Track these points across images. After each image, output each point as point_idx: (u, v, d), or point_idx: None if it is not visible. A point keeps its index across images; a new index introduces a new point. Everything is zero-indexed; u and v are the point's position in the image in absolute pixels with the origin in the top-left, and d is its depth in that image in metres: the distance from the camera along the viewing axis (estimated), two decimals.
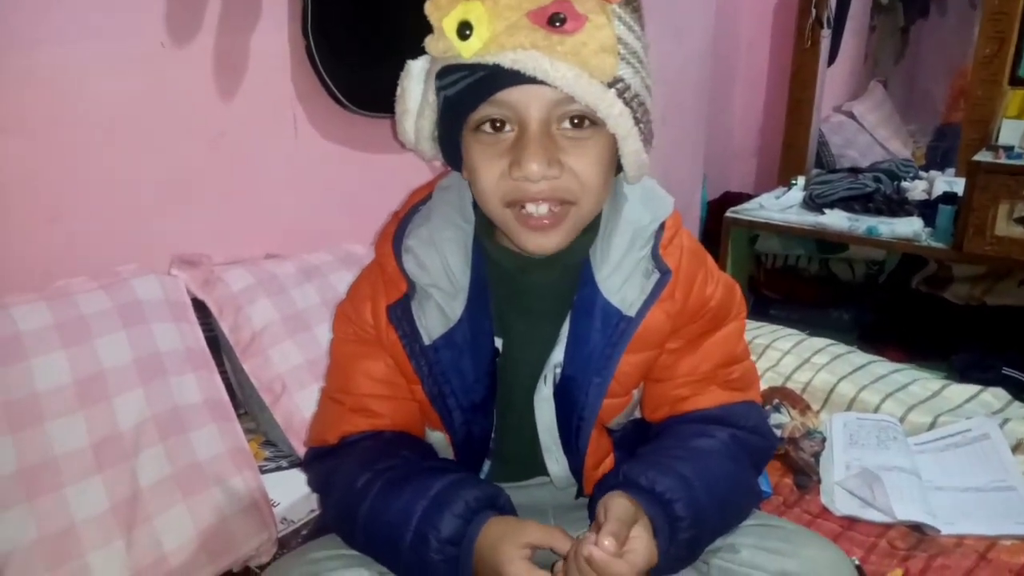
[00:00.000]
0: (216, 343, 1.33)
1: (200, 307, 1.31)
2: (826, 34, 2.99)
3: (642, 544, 0.72)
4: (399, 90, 0.81)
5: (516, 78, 0.69)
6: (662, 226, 0.85)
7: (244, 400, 1.39)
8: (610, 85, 0.70)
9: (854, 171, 2.90)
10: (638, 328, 0.83)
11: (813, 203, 2.69)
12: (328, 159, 1.58)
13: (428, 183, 0.93)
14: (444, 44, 0.71)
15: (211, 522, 1.08)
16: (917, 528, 1.18)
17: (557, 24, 0.67)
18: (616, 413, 0.91)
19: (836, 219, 2.58)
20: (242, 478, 1.14)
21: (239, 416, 1.24)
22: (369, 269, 0.92)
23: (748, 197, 2.96)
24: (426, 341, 0.83)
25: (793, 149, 3.12)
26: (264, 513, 1.13)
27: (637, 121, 0.74)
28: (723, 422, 0.88)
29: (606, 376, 0.84)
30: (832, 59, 3.18)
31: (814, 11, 2.91)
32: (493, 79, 0.70)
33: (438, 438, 0.93)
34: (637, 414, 0.98)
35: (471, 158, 0.76)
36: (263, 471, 1.23)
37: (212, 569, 1.06)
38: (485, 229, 0.86)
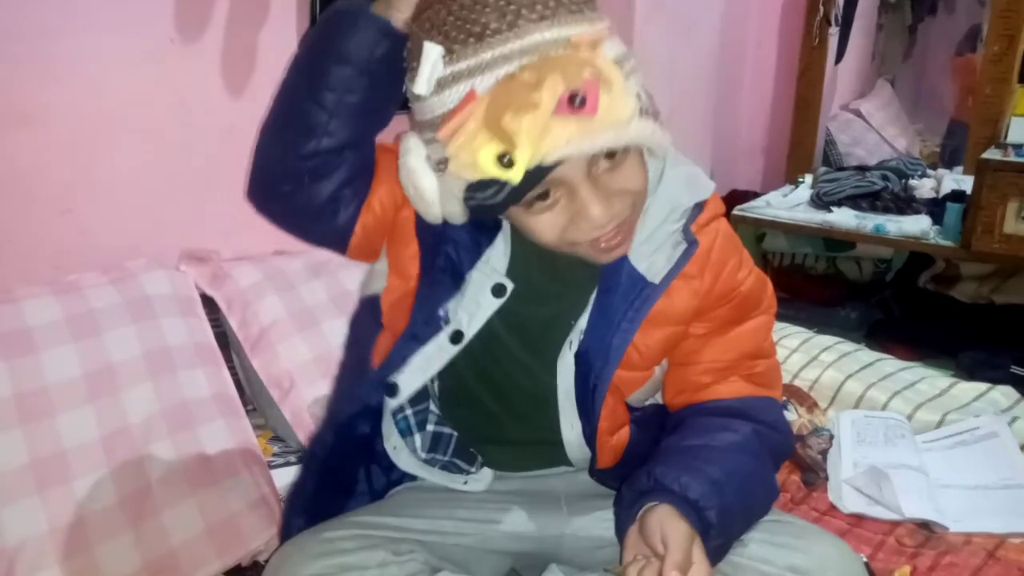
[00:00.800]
0: (224, 339, 1.34)
1: (208, 303, 1.31)
2: (834, 32, 2.99)
3: (704, 570, 0.72)
4: (406, 181, 0.77)
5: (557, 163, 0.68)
6: (701, 207, 0.86)
7: (252, 396, 1.40)
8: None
9: (862, 169, 2.90)
10: (660, 296, 0.84)
11: (820, 201, 2.68)
12: None
13: None
14: (478, 172, 0.68)
15: (220, 516, 1.08)
16: (925, 526, 1.17)
17: (580, 105, 0.66)
18: (636, 387, 0.92)
19: (844, 217, 2.57)
20: (250, 473, 1.14)
21: (247, 412, 1.25)
22: None
23: (755, 195, 2.95)
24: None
25: (800, 147, 3.12)
26: (273, 508, 1.13)
27: (656, 120, 0.74)
28: (744, 416, 0.88)
29: (625, 340, 0.84)
30: (839, 57, 3.17)
31: (822, 9, 2.90)
32: (536, 175, 0.68)
33: (383, 273, 0.90)
34: (659, 399, 0.98)
35: (524, 223, 0.76)
36: (271, 466, 1.23)
37: (220, 563, 1.06)
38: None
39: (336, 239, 0.86)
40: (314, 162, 0.80)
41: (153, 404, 1.11)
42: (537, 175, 0.68)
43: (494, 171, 0.67)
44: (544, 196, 0.73)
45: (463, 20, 0.67)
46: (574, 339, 0.87)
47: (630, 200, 0.76)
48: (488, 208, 0.72)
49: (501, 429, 0.95)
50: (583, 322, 0.86)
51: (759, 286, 0.92)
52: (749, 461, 0.83)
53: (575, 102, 0.65)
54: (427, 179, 0.75)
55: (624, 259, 0.83)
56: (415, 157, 0.75)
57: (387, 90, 0.79)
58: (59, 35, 1.16)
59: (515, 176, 0.67)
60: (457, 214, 0.76)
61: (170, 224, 1.36)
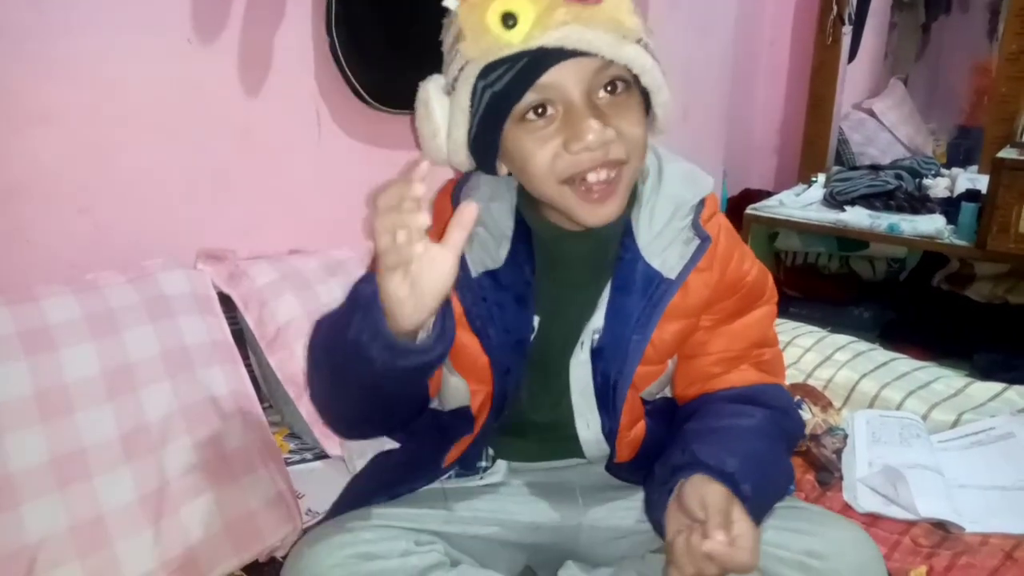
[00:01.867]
0: (241, 337, 1.35)
1: (225, 301, 1.32)
2: (847, 31, 2.98)
3: (747, 525, 0.73)
4: (421, 112, 0.83)
5: (558, 56, 0.73)
6: (702, 202, 0.90)
7: (269, 393, 1.40)
8: (638, 42, 0.76)
9: (875, 168, 2.89)
10: (677, 291, 0.86)
11: (834, 200, 2.68)
12: (351, 156, 1.59)
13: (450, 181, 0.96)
14: (487, 41, 0.74)
15: (237, 513, 1.09)
16: (941, 526, 1.17)
17: None
18: (651, 381, 0.94)
19: (857, 216, 2.57)
20: (268, 470, 1.15)
21: (264, 409, 1.26)
22: None
23: (768, 194, 2.95)
24: (473, 273, 0.87)
25: (814, 146, 3.11)
26: (290, 505, 1.14)
27: (663, 72, 0.78)
28: (756, 402, 0.90)
29: (645, 335, 0.87)
30: (852, 56, 3.16)
31: (836, 7, 2.90)
32: (538, 62, 0.73)
33: (457, 386, 0.94)
34: (668, 392, 1.00)
35: (520, 146, 0.79)
36: (288, 463, 1.24)
37: (238, 560, 1.07)
38: (526, 201, 0.88)
39: (420, 416, 0.95)
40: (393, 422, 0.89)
41: (171, 402, 1.12)
42: (536, 64, 0.73)
43: (498, 30, 0.72)
44: (542, 111, 0.76)
45: None
46: (586, 340, 0.88)
47: (624, 147, 0.78)
48: (492, 112, 0.76)
49: (518, 424, 0.96)
50: (597, 322, 0.88)
51: (762, 277, 0.95)
52: (768, 444, 0.86)
53: None
54: (439, 103, 0.80)
55: (638, 257, 0.86)
56: (433, 86, 0.81)
57: (439, 360, 0.79)
58: (78, 34, 1.17)
59: (517, 36, 0.72)
60: (461, 138, 0.80)
61: (186, 223, 1.37)
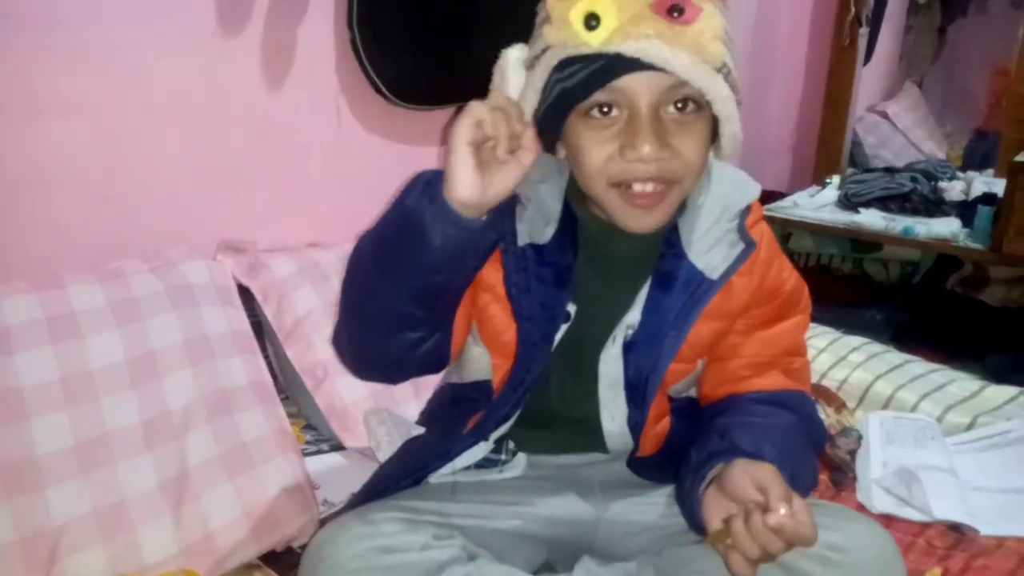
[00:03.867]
0: (260, 328, 1.36)
1: (243, 292, 1.33)
2: (864, 32, 2.97)
3: (801, 500, 0.74)
4: (497, 79, 0.83)
5: (634, 65, 0.73)
6: (747, 209, 0.90)
7: (286, 384, 1.41)
8: (718, 70, 0.75)
9: (890, 171, 2.88)
10: (718, 291, 0.87)
11: (848, 202, 2.67)
12: (370, 151, 1.60)
13: None
14: (567, 33, 0.74)
15: (256, 502, 1.10)
16: (955, 528, 1.17)
17: (676, 15, 0.71)
18: (680, 378, 0.95)
19: (872, 218, 2.56)
20: (286, 460, 1.16)
21: (281, 400, 1.27)
22: None
23: (782, 195, 2.94)
24: (519, 242, 0.87)
25: (828, 147, 3.10)
26: (307, 495, 1.15)
27: (738, 103, 0.78)
28: (784, 406, 0.91)
29: (682, 332, 0.88)
30: (867, 58, 3.15)
31: (853, 8, 2.89)
32: (613, 67, 0.73)
33: (480, 358, 0.95)
34: (692, 393, 1.01)
35: (578, 140, 0.79)
36: (304, 454, 1.25)
37: (256, 548, 1.08)
38: (576, 191, 0.88)
39: (431, 373, 0.94)
40: (415, 346, 0.85)
41: (193, 390, 1.13)
42: (611, 69, 0.73)
43: (579, 28, 0.72)
44: (607, 111, 0.77)
45: None
46: (619, 335, 0.89)
47: (680, 167, 0.78)
48: (560, 104, 0.77)
49: (542, 417, 0.96)
50: (632, 317, 0.89)
51: (799, 287, 0.97)
52: (798, 442, 0.87)
53: (673, 12, 0.71)
54: (516, 74, 0.81)
55: (683, 255, 0.87)
56: (515, 57, 0.81)
57: (482, 254, 0.81)
58: (104, 24, 1.19)
59: (595, 39, 0.72)
60: (528, 114, 0.80)
61: (207, 213, 1.38)
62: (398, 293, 0.80)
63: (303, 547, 1.11)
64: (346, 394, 1.31)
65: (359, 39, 1.44)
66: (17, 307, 1.05)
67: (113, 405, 1.05)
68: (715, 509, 0.78)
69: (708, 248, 0.87)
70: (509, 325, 0.90)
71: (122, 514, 1.01)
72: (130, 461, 1.04)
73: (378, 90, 1.49)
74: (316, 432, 1.36)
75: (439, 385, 1.11)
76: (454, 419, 0.97)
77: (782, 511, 0.71)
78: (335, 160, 1.55)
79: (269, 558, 1.10)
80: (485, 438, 0.93)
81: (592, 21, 0.72)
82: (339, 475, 1.25)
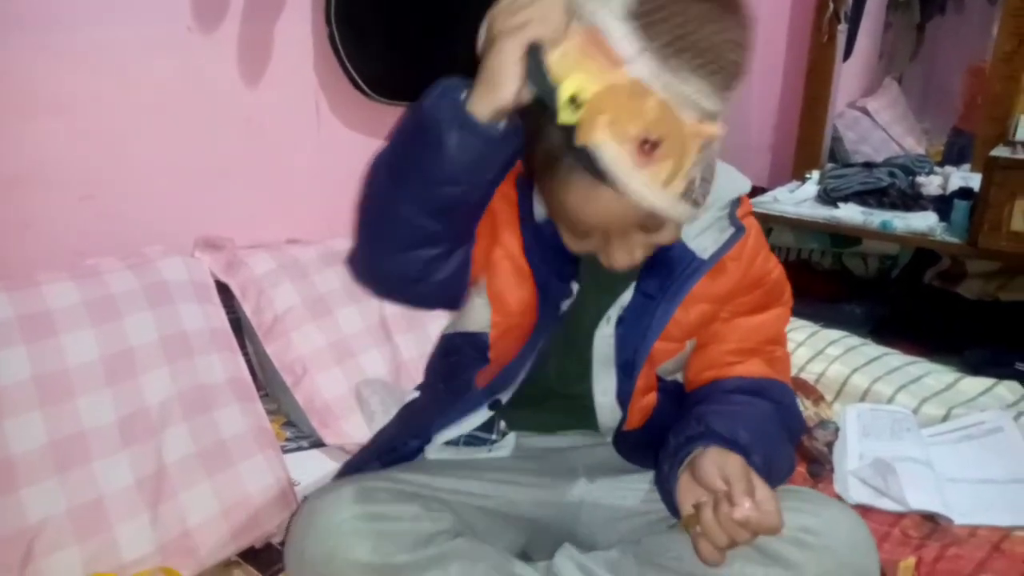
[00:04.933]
0: (239, 325, 1.35)
1: (222, 290, 1.33)
2: (843, 29, 2.98)
3: (767, 489, 0.75)
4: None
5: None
6: (739, 200, 0.93)
7: (266, 381, 1.41)
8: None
9: (869, 166, 2.90)
10: (706, 273, 0.90)
11: (828, 197, 2.69)
12: (350, 147, 1.59)
13: None
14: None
15: (234, 499, 1.10)
16: (930, 518, 1.18)
17: (648, 151, 0.68)
18: (668, 357, 0.96)
19: (850, 213, 2.58)
20: (265, 457, 1.16)
21: (261, 397, 1.26)
22: None
23: (762, 191, 2.96)
24: (537, 218, 0.88)
25: (808, 143, 3.12)
26: (286, 492, 1.15)
27: (696, 205, 0.75)
28: (764, 395, 0.93)
29: (671, 306, 0.90)
30: (847, 55, 3.17)
31: (832, 5, 2.90)
32: (583, 153, 0.69)
33: (479, 310, 0.95)
34: (679, 377, 1.02)
35: (557, 198, 0.76)
36: (284, 451, 1.25)
37: (235, 545, 1.08)
38: None
39: (448, 306, 0.94)
40: (432, 265, 0.82)
41: (170, 388, 1.12)
42: (584, 155, 0.69)
43: (564, 99, 0.67)
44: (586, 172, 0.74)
45: (684, 23, 0.69)
46: (613, 314, 0.92)
47: (653, 249, 0.81)
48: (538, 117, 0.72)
49: (538, 395, 0.97)
50: (626, 298, 0.91)
51: (783, 279, 0.99)
52: (775, 429, 0.89)
53: (646, 147, 0.68)
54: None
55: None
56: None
57: (499, 167, 0.77)
58: (80, 24, 1.18)
59: (566, 118, 0.68)
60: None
61: (187, 211, 1.37)
62: (413, 205, 0.77)
63: (283, 544, 1.11)
64: (326, 391, 1.31)
65: (337, 35, 1.43)
66: None
67: (89, 403, 1.05)
68: (688, 493, 0.80)
69: (700, 231, 0.90)
70: (515, 286, 0.91)
71: (99, 512, 1.01)
72: (106, 459, 1.04)
73: (357, 85, 1.48)
74: (296, 429, 1.36)
75: (439, 336, 1.10)
76: (445, 373, 0.98)
77: (746, 505, 0.73)
78: (314, 156, 1.54)
79: (248, 555, 1.10)
80: (482, 441, 0.95)
81: (576, 102, 0.67)
82: (319, 472, 1.25)
